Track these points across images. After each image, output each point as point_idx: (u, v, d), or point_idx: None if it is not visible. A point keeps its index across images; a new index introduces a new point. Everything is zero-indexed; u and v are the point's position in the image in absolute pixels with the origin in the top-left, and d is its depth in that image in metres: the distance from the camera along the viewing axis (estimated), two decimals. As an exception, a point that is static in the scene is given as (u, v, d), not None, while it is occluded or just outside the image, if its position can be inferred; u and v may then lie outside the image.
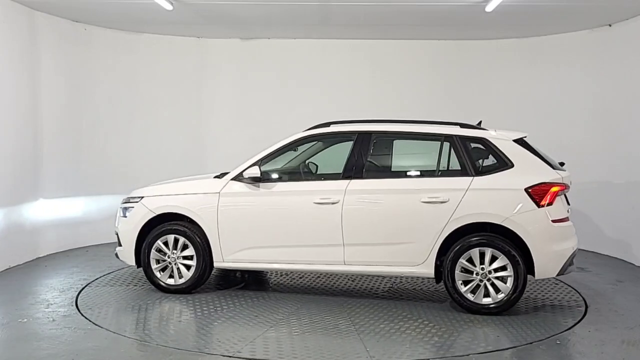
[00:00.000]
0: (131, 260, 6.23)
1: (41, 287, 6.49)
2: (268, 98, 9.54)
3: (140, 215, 6.19)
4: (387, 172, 6.17)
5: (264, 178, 5.94)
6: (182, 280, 6.10)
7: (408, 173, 6.04)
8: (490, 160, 5.77)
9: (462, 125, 5.98)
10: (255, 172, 5.90)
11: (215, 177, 6.28)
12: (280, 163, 6.46)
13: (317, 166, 6.56)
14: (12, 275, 6.97)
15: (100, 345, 4.74)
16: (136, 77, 9.21)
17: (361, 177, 5.81)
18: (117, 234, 6.45)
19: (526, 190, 5.47)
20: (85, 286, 6.47)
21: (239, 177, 6.01)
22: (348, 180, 5.80)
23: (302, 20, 8.30)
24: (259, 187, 5.95)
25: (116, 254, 6.46)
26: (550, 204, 5.46)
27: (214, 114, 9.60)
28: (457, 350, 4.68)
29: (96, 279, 6.76)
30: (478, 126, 6.12)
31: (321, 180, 6.08)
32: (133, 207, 6.26)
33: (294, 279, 6.90)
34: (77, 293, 6.20)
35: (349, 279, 6.82)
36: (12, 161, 7.33)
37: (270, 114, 9.48)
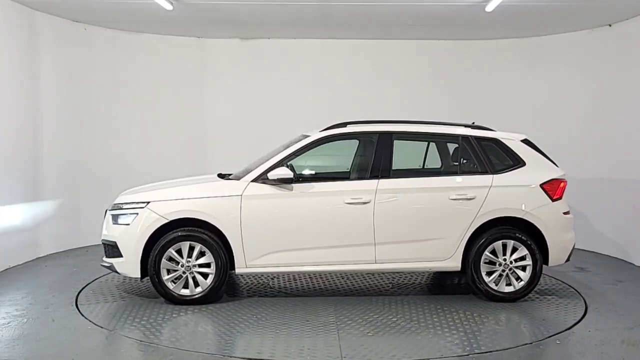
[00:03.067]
0: (135, 271, 5.71)
1: (41, 287, 6.48)
2: (268, 98, 9.53)
3: (148, 222, 5.67)
4: (412, 171, 6.43)
5: (295, 179, 5.80)
6: (198, 290, 5.72)
7: (432, 172, 6.42)
8: (502, 159, 6.20)
9: (474, 127, 6.36)
10: (285, 173, 5.73)
11: (219, 177, 6.25)
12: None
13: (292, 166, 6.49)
14: (12, 275, 6.97)
15: (100, 345, 4.74)
16: (136, 77, 9.21)
17: (389, 177, 5.93)
18: (108, 244, 5.88)
19: (541, 186, 6.02)
20: (85, 286, 6.47)
21: (262, 179, 5.81)
22: (377, 180, 5.89)
23: (302, 20, 8.30)
24: (289, 188, 5.76)
25: (110, 266, 5.85)
26: (559, 198, 6.06)
27: (213, 113, 9.60)
28: (540, 335, 5.03)
29: (96, 279, 6.75)
30: (487, 127, 6.44)
31: (348, 180, 6.05)
32: (136, 214, 5.73)
33: (288, 281, 6.89)
34: (77, 293, 6.19)
35: (341, 278, 6.83)
36: (12, 161, 7.33)
37: (270, 114, 9.48)
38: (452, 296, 6.22)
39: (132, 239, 5.71)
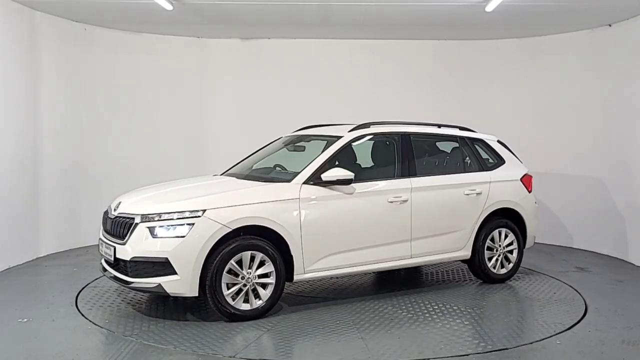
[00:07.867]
0: (194, 290, 5.04)
1: (41, 287, 6.49)
2: (268, 98, 9.53)
3: (210, 233, 5.05)
4: (431, 169, 6.63)
5: (355, 179, 5.70)
6: (259, 303, 5.29)
7: (446, 170, 6.71)
8: (489, 157, 6.93)
9: (461, 128, 6.96)
10: (345, 174, 5.61)
11: (222, 175, 6.26)
12: (251, 164, 6.58)
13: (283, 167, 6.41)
14: (12, 275, 6.97)
15: (100, 345, 4.75)
16: (136, 77, 9.20)
17: (416, 175, 6.24)
18: (150, 261, 5.06)
19: (520, 180, 6.93)
20: (85, 286, 6.46)
21: (313, 180, 5.62)
22: (408, 178, 6.17)
23: (302, 20, 8.30)
24: (348, 190, 5.70)
25: (156, 287, 5.03)
26: (531, 190, 7.01)
27: (213, 113, 9.60)
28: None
29: (96, 279, 6.73)
30: (468, 128, 7.03)
31: (388, 179, 6.12)
32: (192, 224, 5.04)
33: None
34: (77, 293, 6.19)
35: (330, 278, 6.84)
36: (12, 161, 7.33)
37: (270, 114, 9.47)
38: (446, 290, 6.27)
39: (191, 253, 5.02)
